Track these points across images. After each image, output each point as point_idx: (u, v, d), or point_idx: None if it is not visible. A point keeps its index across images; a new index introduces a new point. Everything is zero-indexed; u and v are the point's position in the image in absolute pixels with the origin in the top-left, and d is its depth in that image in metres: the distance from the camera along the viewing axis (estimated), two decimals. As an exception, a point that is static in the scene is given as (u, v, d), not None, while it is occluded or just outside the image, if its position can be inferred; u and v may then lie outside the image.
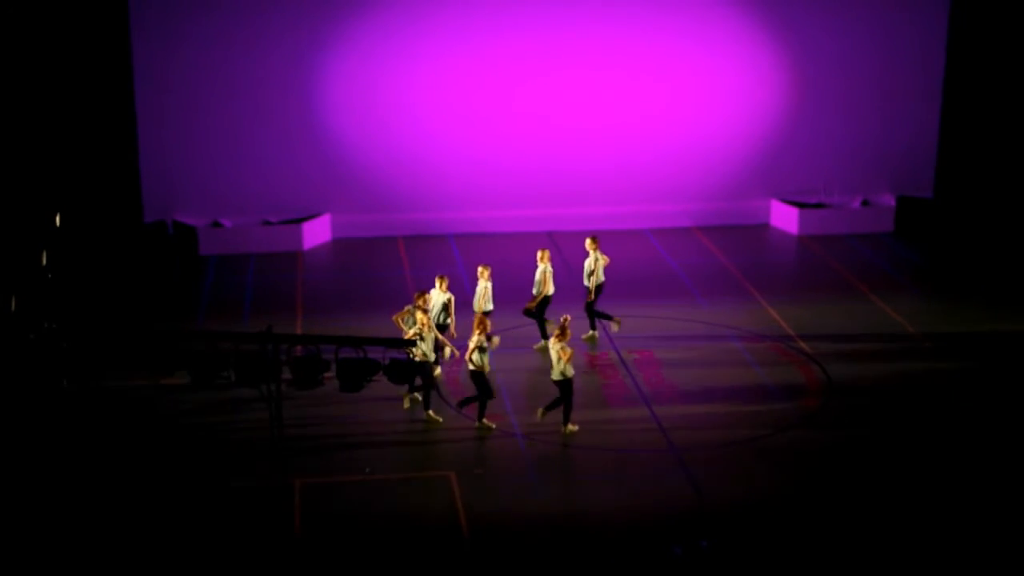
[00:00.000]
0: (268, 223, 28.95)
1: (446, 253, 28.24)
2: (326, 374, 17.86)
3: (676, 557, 16.28)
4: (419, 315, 19.99)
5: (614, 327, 23.19)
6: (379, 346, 18.49)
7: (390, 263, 27.79)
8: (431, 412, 20.13)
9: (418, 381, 20.02)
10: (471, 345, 19.53)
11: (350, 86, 28.70)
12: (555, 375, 19.53)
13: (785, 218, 30.18)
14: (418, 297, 20.41)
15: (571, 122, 29.42)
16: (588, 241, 23.11)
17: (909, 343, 23.45)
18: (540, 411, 19.87)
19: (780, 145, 30.12)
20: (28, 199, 24.00)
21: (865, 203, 30.47)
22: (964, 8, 29.49)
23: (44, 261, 22.21)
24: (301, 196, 29.01)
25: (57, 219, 23.07)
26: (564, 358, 19.36)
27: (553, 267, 22.89)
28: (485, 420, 19.90)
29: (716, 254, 28.40)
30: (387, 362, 17.98)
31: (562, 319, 19.79)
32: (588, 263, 22.98)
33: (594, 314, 23.17)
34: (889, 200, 30.47)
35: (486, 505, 17.72)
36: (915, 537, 16.99)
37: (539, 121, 29.36)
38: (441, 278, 21.52)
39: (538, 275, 22.71)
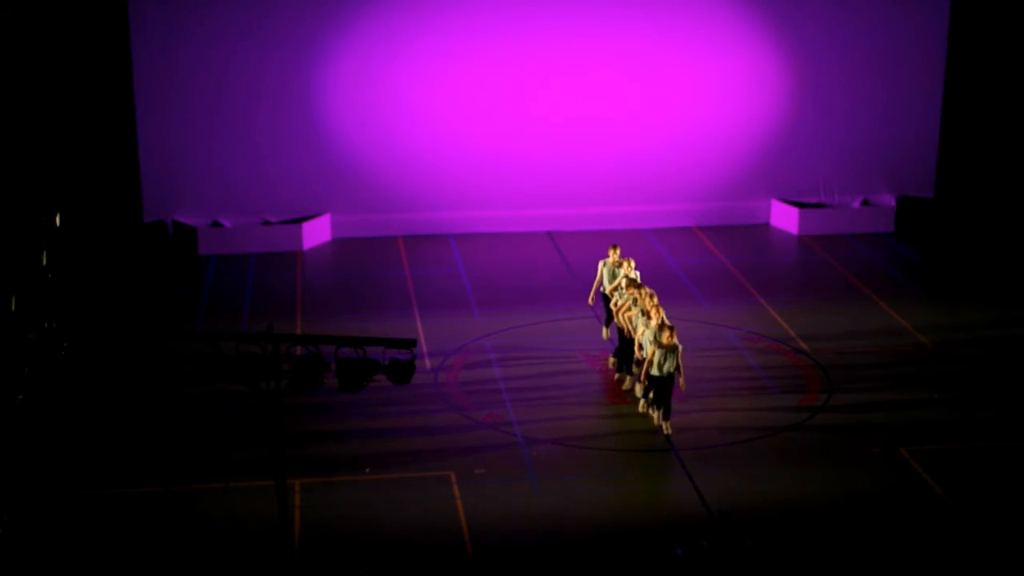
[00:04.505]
0: (268, 223, 28.94)
1: (446, 253, 28.24)
2: (326, 374, 17.84)
3: (678, 558, 16.27)
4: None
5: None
6: (379, 346, 18.47)
7: (390, 263, 27.78)
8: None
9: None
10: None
11: (350, 86, 28.69)
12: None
13: (785, 218, 30.17)
14: (629, 286, 20.58)
15: (571, 122, 29.39)
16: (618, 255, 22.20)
17: (909, 343, 23.43)
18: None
19: (780, 145, 30.10)
20: (28, 199, 23.99)
21: (865, 203, 30.46)
22: (964, 8, 29.49)
23: (44, 261, 22.20)
24: (301, 196, 29.01)
25: (57, 219, 23.07)
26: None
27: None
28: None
29: (716, 254, 28.39)
30: (387, 362, 17.97)
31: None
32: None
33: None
34: (889, 200, 30.46)
35: (486, 505, 17.72)
36: (914, 537, 16.99)
37: (539, 121, 29.34)
38: (629, 264, 21.49)
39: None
